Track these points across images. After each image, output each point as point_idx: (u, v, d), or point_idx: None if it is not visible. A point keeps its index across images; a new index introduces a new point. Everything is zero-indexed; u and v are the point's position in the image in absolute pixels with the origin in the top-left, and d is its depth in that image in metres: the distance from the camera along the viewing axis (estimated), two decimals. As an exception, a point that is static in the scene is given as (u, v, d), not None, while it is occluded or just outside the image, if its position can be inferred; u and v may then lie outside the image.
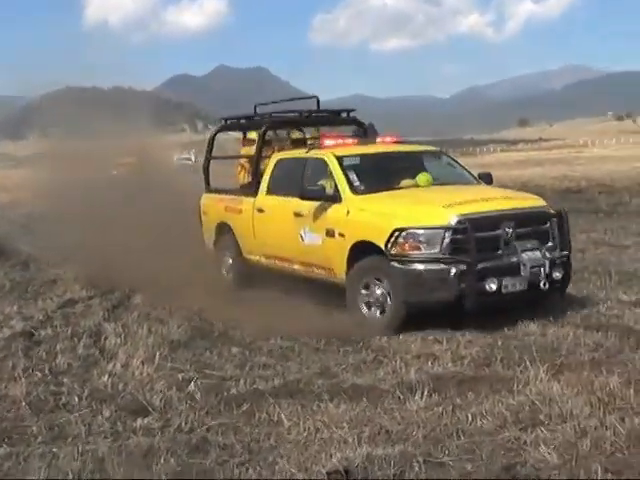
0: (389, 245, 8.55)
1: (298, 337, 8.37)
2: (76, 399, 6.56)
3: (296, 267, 10.32)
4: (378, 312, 8.83)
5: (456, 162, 11.19)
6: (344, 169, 9.81)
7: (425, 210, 8.84)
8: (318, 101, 12.56)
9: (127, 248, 12.65)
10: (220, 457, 5.30)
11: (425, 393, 6.30)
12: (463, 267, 8.34)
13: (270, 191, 11.00)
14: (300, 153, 10.96)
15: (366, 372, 7.17)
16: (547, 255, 8.74)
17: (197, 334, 8.79)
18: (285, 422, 5.86)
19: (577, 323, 8.48)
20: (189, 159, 59.66)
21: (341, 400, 6.30)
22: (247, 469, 5.09)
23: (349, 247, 9.16)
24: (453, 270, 8.35)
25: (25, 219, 21.27)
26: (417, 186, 9.90)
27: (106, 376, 7.16)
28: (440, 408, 5.98)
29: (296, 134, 12.34)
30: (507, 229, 8.61)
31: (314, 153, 10.53)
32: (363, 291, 8.96)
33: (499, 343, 7.87)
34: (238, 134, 14.19)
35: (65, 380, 7.15)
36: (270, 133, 12.05)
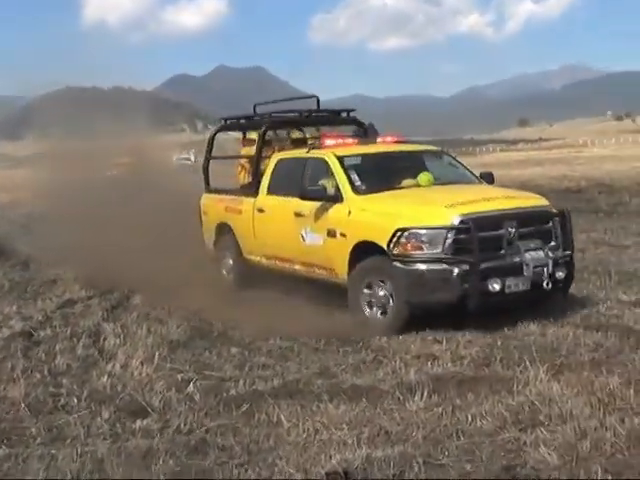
0: (391, 245, 8.53)
1: (297, 337, 8.36)
2: (75, 400, 6.54)
3: (297, 267, 10.29)
4: (380, 313, 8.81)
5: (457, 162, 11.17)
6: (345, 169, 9.79)
7: (428, 210, 8.82)
8: (318, 101, 12.54)
9: (126, 248, 12.63)
10: (219, 458, 5.29)
11: (425, 394, 6.29)
12: (466, 267, 8.32)
13: (270, 191, 10.97)
14: (300, 153, 10.93)
15: (366, 372, 7.15)
16: (550, 255, 8.72)
17: (196, 334, 8.78)
18: (284, 423, 5.85)
19: (577, 323, 8.47)
20: (188, 159, 59.66)
21: (340, 401, 6.29)
22: (246, 470, 5.08)
23: (351, 247, 9.13)
24: (456, 270, 8.33)
25: (24, 219, 21.24)
26: (418, 186, 9.88)
27: (105, 377, 7.15)
28: (440, 409, 5.97)
29: (296, 134, 12.31)
30: (510, 229, 8.58)
31: (315, 153, 10.51)
32: (365, 292, 8.93)
33: (499, 343, 7.86)
34: (238, 134, 14.17)
35: (64, 381, 7.13)
36: (270, 133, 12.03)
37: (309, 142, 11.82)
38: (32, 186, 24.39)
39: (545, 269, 8.64)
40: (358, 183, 9.64)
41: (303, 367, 7.44)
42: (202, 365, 7.59)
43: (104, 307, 10.29)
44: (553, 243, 8.97)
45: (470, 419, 5.72)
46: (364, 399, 6.29)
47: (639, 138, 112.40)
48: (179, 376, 7.13)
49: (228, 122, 13.29)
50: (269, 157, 11.42)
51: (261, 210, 10.96)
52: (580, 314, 8.84)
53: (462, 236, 8.40)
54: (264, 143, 11.67)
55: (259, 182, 11.20)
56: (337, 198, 9.55)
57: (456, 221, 8.42)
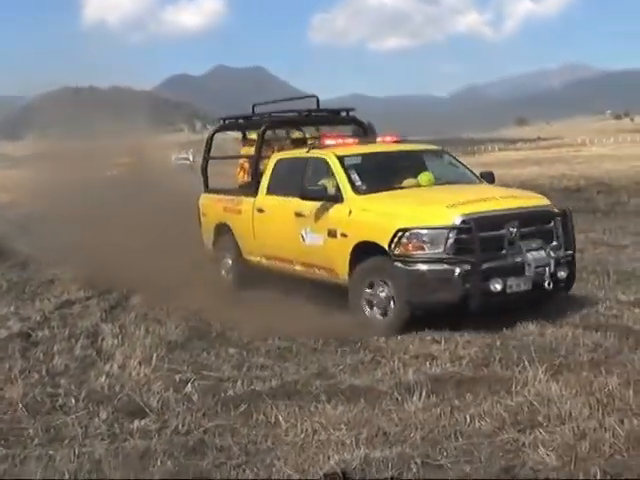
0: (392, 245, 8.50)
1: (296, 338, 8.34)
2: (73, 401, 6.54)
3: (297, 268, 10.26)
4: (382, 313, 8.80)
5: (458, 161, 11.15)
6: (346, 169, 9.76)
7: (429, 210, 8.80)
8: (318, 100, 12.52)
9: (124, 248, 12.62)
10: (217, 459, 5.28)
11: (423, 394, 6.28)
12: (467, 267, 8.30)
13: (270, 191, 10.93)
14: (300, 153, 10.89)
15: (364, 373, 7.14)
16: (552, 255, 8.71)
17: (195, 335, 8.77)
18: (282, 424, 5.84)
19: (576, 323, 8.46)
20: (187, 159, 59.66)
21: (339, 401, 6.28)
22: (244, 471, 5.09)
23: (351, 247, 9.10)
24: (457, 270, 8.31)
25: (23, 219, 21.20)
26: (419, 186, 9.87)
27: (103, 377, 7.14)
28: (438, 409, 5.97)
29: (296, 134, 12.26)
30: (511, 228, 8.57)
31: (315, 153, 10.47)
32: (366, 292, 8.91)
33: (497, 343, 7.85)
34: (237, 134, 14.15)
35: (62, 381, 7.13)
36: (269, 133, 12.00)
37: (309, 142, 11.78)
38: (31, 186, 24.37)
39: (547, 269, 8.62)
40: (359, 183, 9.61)
41: (301, 367, 7.44)
42: (200, 365, 7.58)
43: (102, 307, 10.29)
44: (555, 243, 8.95)
45: (469, 420, 5.70)
46: (362, 400, 6.27)
47: (638, 137, 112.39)
48: (177, 376, 7.12)
49: (227, 122, 13.25)
50: (269, 157, 11.38)
51: (261, 210, 10.93)
52: (579, 314, 8.83)
53: (463, 236, 8.38)
54: (263, 143, 11.65)
55: (258, 182, 11.16)
56: (338, 198, 9.52)
57: (457, 221, 8.40)
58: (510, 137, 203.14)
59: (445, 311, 8.50)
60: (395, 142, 11.06)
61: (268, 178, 11.02)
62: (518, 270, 8.52)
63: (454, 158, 11.27)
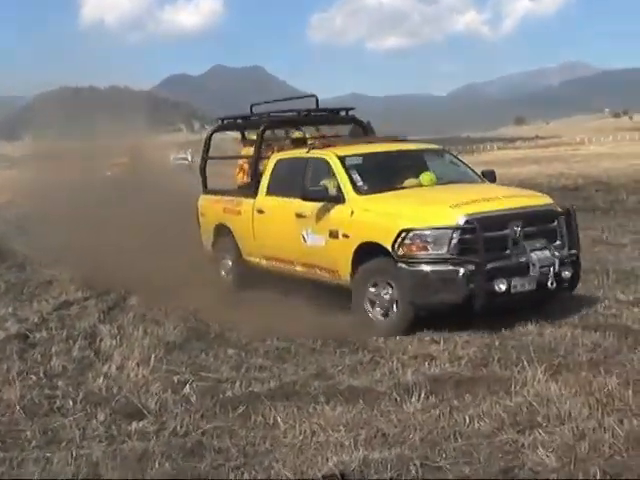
0: (396, 246, 8.45)
1: (294, 338, 8.32)
2: (71, 403, 6.52)
3: (298, 269, 10.21)
4: (385, 314, 8.76)
5: (459, 160, 11.11)
6: (347, 169, 9.71)
7: (432, 210, 8.76)
8: (317, 100, 12.49)
9: (123, 249, 12.61)
10: (215, 461, 5.26)
11: (422, 395, 6.26)
12: (472, 267, 8.26)
13: (270, 192, 10.88)
14: (300, 153, 10.80)
15: (362, 374, 7.12)
16: (556, 254, 8.68)
17: (193, 335, 8.75)
18: (281, 425, 5.82)
19: (575, 323, 8.44)
20: (186, 159, 59.65)
21: (337, 402, 6.26)
22: (242, 473, 5.06)
23: (354, 248, 9.05)
24: (461, 271, 8.26)
25: (21, 219, 21.18)
26: (421, 185, 9.83)
27: (101, 379, 7.12)
28: (437, 410, 5.95)
29: (296, 134, 12.18)
30: (515, 228, 8.52)
31: (315, 153, 10.40)
32: (369, 293, 8.87)
33: (496, 343, 7.83)
34: (235, 134, 14.12)
35: (60, 383, 7.10)
36: (268, 133, 11.96)
37: (309, 142, 11.72)
38: (29, 186, 24.35)
39: (551, 269, 8.59)
40: (360, 183, 9.56)
41: (300, 368, 7.42)
42: (198, 367, 7.56)
43: (100, 308, 10.25)
44: (558, 242, 8.92)
45: (468, 421, 5.68)
46: (361, 401, 6.25)
47: (636, 136, 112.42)
48: (175, 378, 7.10)
49: (225, 122, 13.19)
50: (268, 157, 11.34)
51: (261, 211, 10.87)
52: (578, 314, 8.81)
53: (467, 236, 8.34)
54: (263, 143, 11.61)
55: (258, 183, 11.10)
56: (339, 199, 9.47)
57: (461, 221, 8.36)
58: (509, 136, 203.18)
59: (449, 312, 8.47)
60: (395, 142, 11.03)
61: (268, 179, 10.96)
62: (522, 270, 8.48)
63: (455, 157, 11.24)
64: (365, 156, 10.22)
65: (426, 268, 8.37)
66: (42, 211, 19.50)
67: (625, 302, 9.26)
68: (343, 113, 12.48)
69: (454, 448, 5.24)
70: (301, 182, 10.05)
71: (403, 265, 8.45)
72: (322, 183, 9.76)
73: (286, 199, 10.40)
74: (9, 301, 11.05)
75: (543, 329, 8.19)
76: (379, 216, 8.99)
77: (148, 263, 11.47)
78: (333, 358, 7.71)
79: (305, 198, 9.77)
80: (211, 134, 13.23)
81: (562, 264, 8.73)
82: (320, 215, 9.62)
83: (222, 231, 11.93)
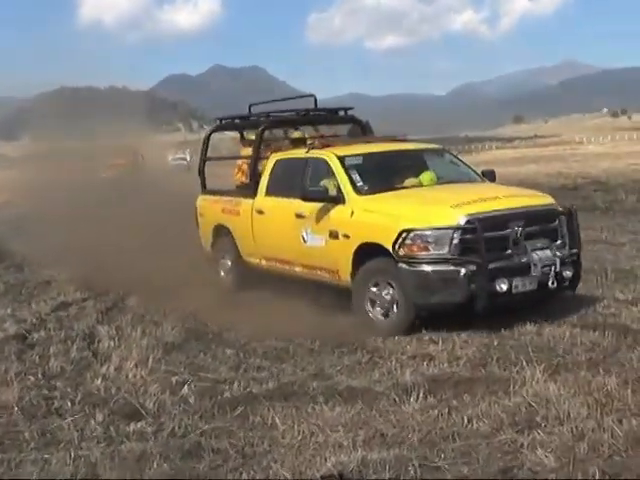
0: (396, 246, 8.41)
1: (293, 338, 8.31)
2: (69, 404, 6.53)
3: (298, 269, 10.17)
4: (385, 314, 8.73)
5: (459, 160, 11.09)
6: (346, 169, 9.67)
7: (433, 210, 8.72)
8: (315, 100, 12.46)
9: (121, 249, 12.61)
10: (214, 462, 5.26)
11: (421, 395, 6.26)
12: (473, 268, 8.23)
13: (269, 192, 10.83)
14: (300, 153, 10.74)
15: (361, 374, 7.11)
16: (557, 254, 8.66)
17: (191, 336, 8.74)
18: (279, 425, 5.81)
19: (574, 322, 8.42)
20: (184, 159, 59.66)
21: (336, 403, 6.25)
22: (241, 474, 5.06)
23: (354, 249, 9.02)
24: (463, 271, 8.23)
25: (19, 220, 21.17)
26: (421, 185, 9.80)
27: (99, 379, 7.13)
28: (436, 410, 5.94)
29: (296, 134, 12.14)
30: (516, 228, 8.50)
31: (315, 153, 10.34)
32: (370, 293, 8.84)
33: (495, 343, 7.82)
34: (234, 134, 14.09)
35: (58, 384, 7.11)
36: (267, 133, 11.92)
37: (308, 142, 11.67)
38: (27, 187, 24.36)
39: (552, 268, 8.57)
40: (360, 183, 9.52)
41: (298, 369, 7.41)
42: (197, 367, 7.55)
43: (99, 309, 10.26)
44: (559, 242, 8.90)
45: (466, 421, 5.68)
46: (359, 401, 6.25)
47: (635, 135, 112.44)
48: (174, 378, 7.10)
49: (223, 122, 13.15)
50: (267, 157, 11.31)
51: (260, 211, 10.81)
52: (577, 313, 8.79)
53: (468, 236, 8.31)
54: (262, 143, 11.58)
55: (257, 183, 11.05)
56: (339, 199, 9.42)
57: (462, 221, 8.33)
58: (507, 135, 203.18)
59: (450, 312, 8.45)
60: (395, 141, 11.00)
61: (267, 179, 10.91)
62: (524, 270, 8.46)
63: (455, 157, 11.21)
64: (365, 156, 10.16)
65: (427, 268, 8.34)
66: (40, 211, 19.51)
67: (624, 301, 9.25)
68: (342, 113, 12.45)
69: (453, 448, 5.23)
70: (301, 182, 10.02)
71: (404, 265, 8.42)
72: (322, 183, 9.72)
73: (285, 199, 10.35)
74: (7, 302, 11.06)
75: (542, 329, 8.18)
76: (379, 216, 8.95)
77: (147, 263, 11.46)
78: (332, 358, 7.70)
79: (305, 198, 9.73)
80: (209, 134, 13.20)
81: (563, 264, 8.71)
82: (320, 215, 9.58)
83: (221, 231, 11.89)
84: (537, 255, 8.52)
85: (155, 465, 5.20)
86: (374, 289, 8.81)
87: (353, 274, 9.10)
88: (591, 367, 6.79)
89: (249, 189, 11.25)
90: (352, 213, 9.18)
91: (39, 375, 7.37)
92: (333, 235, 9.34)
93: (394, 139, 11.21)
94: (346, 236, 9.15)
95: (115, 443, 5.65)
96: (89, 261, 12.95)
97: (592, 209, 20.25)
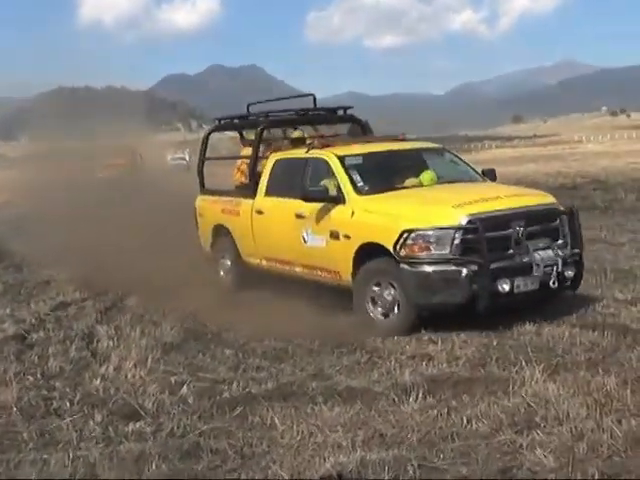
0: (398, 247, 8.38)
1: (292, 339, 8.30)
2: (68, 404, 6.52)
3: (298, 270, 10.14)
4: (386, 314, 8.72)
5: (459, 159, 11.06)
6: (346, 169, 9.64)
7: (434, 210, 8.70)
8: (315, 99, 12.44)
9: (120, 249, 12.60)
10: (212, 462, 5.26)
11: (420, 395, 6.25)
12: (475, 268, 8.21)
13: (269, 192, 10.79)
14: (299, 153, 10.71)
15: (360, 374, 7.10)
16: (559, 253, 8.65)
17: (190, 336, 8.74)
18: (278, 426, 5.80)
19: (573, 322, 8.41)
20: (183, 159, 59.62)
21: (335, 403, 6.25)
22: (239, 474, 5.06)
23: (355, 249, 8.99)
24: (464, 271, 8.21)
25: (18, 220, 21.16)
26: (421, 185, 9.77)
27: (98, 380, 7.12)
28: (435, 411, 5.93)
29: (296, 133, 12.10)
30: (518, 228, 8.49)
31: (314, 153, 10.30)
32: (371, 294, 8.81)
33: (494, 343, 7.81)
34: (233, 134, 14.06)
35: (57, 384, 7.12)
36: (266, 132, 11.89)
37: (308, 142, 11.63)
38: (26, 187, 24.34)
39: (554, 268, 8.56)
40: (361, 184, 9.49)
41: (297, 369, 7.40)
42: (196, 367, 7.55)
43: (98, 309, 10.26)
44: (561, 241, 8.88)
45: (465, 421, 5.67)
46: (359, 401, 6.25)
47: (634, 134, 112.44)
48: (172, 379, 7.10)
49: (222, 122, 13.11)
50: (267, 157, 11.28)
51: (260, 212, 10.77)
52: (576, 313, 8.78)
53: (470, 236, 8.29)
54: (262, 143, 11.56)
55: (257, 183, 11.02)
56: (339, 199, 9.40)
57: (464, 221, 8.30)
58: (506, 134, 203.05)
59: (452, 312, 8.43)
60: (395, 140, 10.98)
61: (267, 179, 10.88)
62: (526, 270, 8.44)
63: (455, 156, 11.17)
64: (365, 156, 10.13)
65: (428, 269, 8.31)
66: (39, 211, 19.50)
67: (623, 301, 9.24)
68: (341, 112, 12.43)
69: (452, 449, 5.23)
70: (300, 182, 9.99)
71: (405, 266, 8.40)
72: (322, 183, 9.70)
73: (285, 200, 10.32)
74: (6, 302, 11.06)
75: (541, 328, 8.17)
76: (380, 217, 8.92)
77: (146, 263, 11.46)
78: (331, 358, 7.69)
79: (305, 199, 9.69)
80: (208, 134, 13.17)
81: (565, 263, 8.69)
82: (320, 216, 9.55)
83: (221, 232, 11.85)
84: (539, 255, 8.51)
85: (154, 466, 5.19)
86: (376, 288, 8.79)
87: (354, 274, 9.08)
88: (590, 367, 6.78)
89: (249, 189, 11.21)
90: (353, 213, 9.15)
91: (38, 375, 7.37)
92: (334, 235, 9.31)
93: (394, 138, 11.18)
94: (347, 236, 9.13)
95: (114, 443, 5.65)
96: (88, 261, 12.95)
97: (591, 208, 20.21)
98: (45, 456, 5.43)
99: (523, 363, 6.90)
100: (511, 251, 8.48)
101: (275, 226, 10.51)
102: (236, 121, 12.84)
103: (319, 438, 5.53)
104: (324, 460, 5.11)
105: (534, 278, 8.47)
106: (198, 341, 8.55)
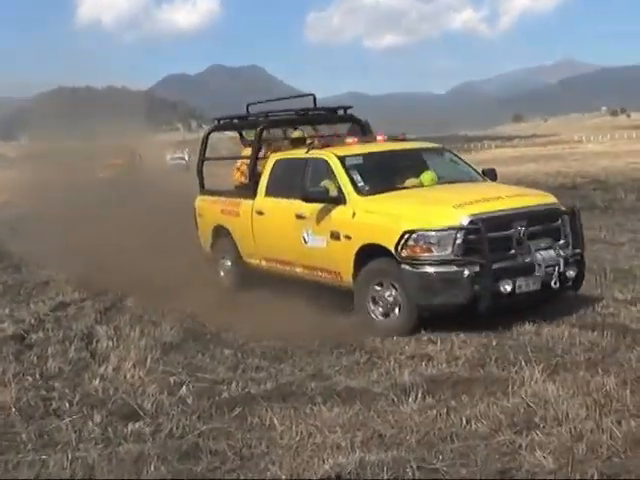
0: (399, 248, 8.36)
1: (291, 339, 8.27)
2: (67, 404, 6.52)
3: (298, 270, 10.11)
4: (387, 315, 8.70)
5: (460, 159, 11.04)
6: (347, 169, 9.61)
7: (435, 211, 8.67)
8: (315, 99, 12.42)
9: (120, 249, 12.59)
10: (211, 463, 5.25)
11: (419, 395, 6.25)
12: (476, 268, 8.19)
13: (269, 193, 10.76)
14: (299, 153, 10.69)
15: (359, 374, 7.10)
16: (561, 253, 8.63)
17: (189, 336, 8.73)
18: (277, 426, 5.80)
19: (572, 322, 8.40)
20: (183, 159, 59.60)
21: (334, 403, 6.25)
22: (238, 475, 5.05)
23: (356, 250, 8.97)
24: (466, 272, 8.18)
25: (18, 220, 21.14)
26: (422, 185, 9.75)
27: (97, 380, 7.12)
28: (434, 411, 5.92)
29: (296, 133, 12.08)
30: (519, 228, 8.46)
31: (315, 153, 10.28)
32: (372, 294, 8.78)
33: (494, 343, 7.80)
34: (232, 134, 14.03)
35: (56, 385, 7.11)
36: (266, 133, 11.87)
37: (308, 142, 11.61)
38: (26, 187, 24.32)
39: (556, 268, 8.54)
40: (361, 184, 9.47)
41: (297, 369, 7.40)
42: (195, 367, 7.54)
43: (97, 309, 10.24)
44: (562, 241, 8.86)
45: (465, 422, 5.66)
46: (358, 401, 6.24)
47: (634, 134, 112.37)
48: (172, 379, 7.09)
49: (222, 122, 13.08)
50: (267, 158, 11.26)
51: (260, 212, 10.74)
52: (575, 313, 8.77)
53: (472, 237, 8.26)
54: (262, 143, 11.54)
55: (257, 183, 10.98)
56: (340, 199, 9.37)
57: (465, 221, 8.28)
58: (507, 134, 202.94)
59: (453, 313, 8.42)
60: (388, 141, 10.96)
61: (267, 179, 10.85)
62: (527, 270, 8.43)
63: (455, 156, 11.14)
64: (365, 156, 10.10)
65: (430, 269, 8.29)
66: (39, 211, 19.49)
67: (623, 301, 9.23)
68: (341, 112, 12.41)
69: (451, 449, 5.22)
70: (301, 183, 9.97)
71: (406, 267, 8.37)
72: (323, 184, 9.67)
73: (286, 200, 10.29)
74: (6, 302, 11.05)
75: (540, 328, 8.16)
76: (381, 217, 8.90)
77: (145, 263, 11.45)
78: (330, 359, 7.68)
79: (305, 199, 9.66)
80: (208, 134, 13.15)
81: (567, 264, 8.67)
82: (321, 216, 9.53)
83: (221, 232, 11.82)
84: (541, 255, 8.50)
85: (153, 467, 5.18)
86: (377, 288, 8.76)
87: (355, 275, 9.06)
88: (590, 367, 6.78)
89: (248, 189, 11.19)
90: (354, 214, 9.13)
91: (37, 376, 7.36)
92: (334, 236, 9.29)
93: (394, 138, 11.15)
94: (347, 237, 9.10)
95: (113, 444, 5.64)
96: (88, 261, 12.93)
97: (591, 208, 20.19)
98: (44, 457, 5.43)
99: (522, 363, 6.90)
100: (513, 251, 8.47)
101: (275, 227, 10.49)
102: (236, 121, 12.82)
103: (318, 439, 5.52)
104: (323, 461, 5.10)
105: (536, 278, 8.46)
106: (197, 341, 8.55)
